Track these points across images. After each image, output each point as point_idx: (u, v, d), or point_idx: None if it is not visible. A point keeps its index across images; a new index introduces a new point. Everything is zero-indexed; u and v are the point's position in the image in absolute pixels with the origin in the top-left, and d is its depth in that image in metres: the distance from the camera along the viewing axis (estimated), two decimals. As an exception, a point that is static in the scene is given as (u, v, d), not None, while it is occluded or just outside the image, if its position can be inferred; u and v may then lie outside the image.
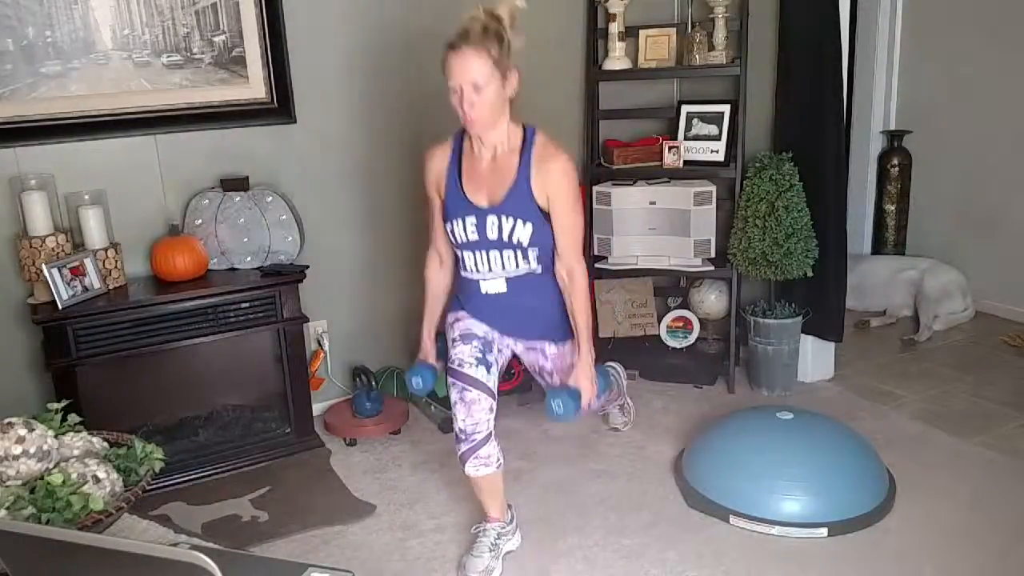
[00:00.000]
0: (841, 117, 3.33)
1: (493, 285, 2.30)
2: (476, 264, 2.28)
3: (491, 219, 2.21)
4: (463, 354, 2.32)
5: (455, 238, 2.27)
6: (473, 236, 2.24)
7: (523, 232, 2.20)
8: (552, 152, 2.19)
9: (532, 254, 2.25)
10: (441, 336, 2.47)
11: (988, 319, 4.23)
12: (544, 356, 2.47)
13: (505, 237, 2.22)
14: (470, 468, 2.32)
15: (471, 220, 2.23)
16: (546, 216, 2.21)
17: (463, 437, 2.30)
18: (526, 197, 2.19)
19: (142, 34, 2.90)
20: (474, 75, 2.09)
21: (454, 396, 2.31)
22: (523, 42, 2.15)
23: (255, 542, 2.56)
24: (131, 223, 2.99)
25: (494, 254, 2.25)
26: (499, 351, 2.42)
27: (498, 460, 2.34)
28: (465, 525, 2.59)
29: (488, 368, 2.32)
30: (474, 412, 2.28)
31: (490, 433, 2.30)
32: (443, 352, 2.44)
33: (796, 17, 3.29)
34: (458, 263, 2.35)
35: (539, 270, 2.29)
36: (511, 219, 2.20)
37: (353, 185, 3.34)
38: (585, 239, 3.55)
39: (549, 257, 2.29)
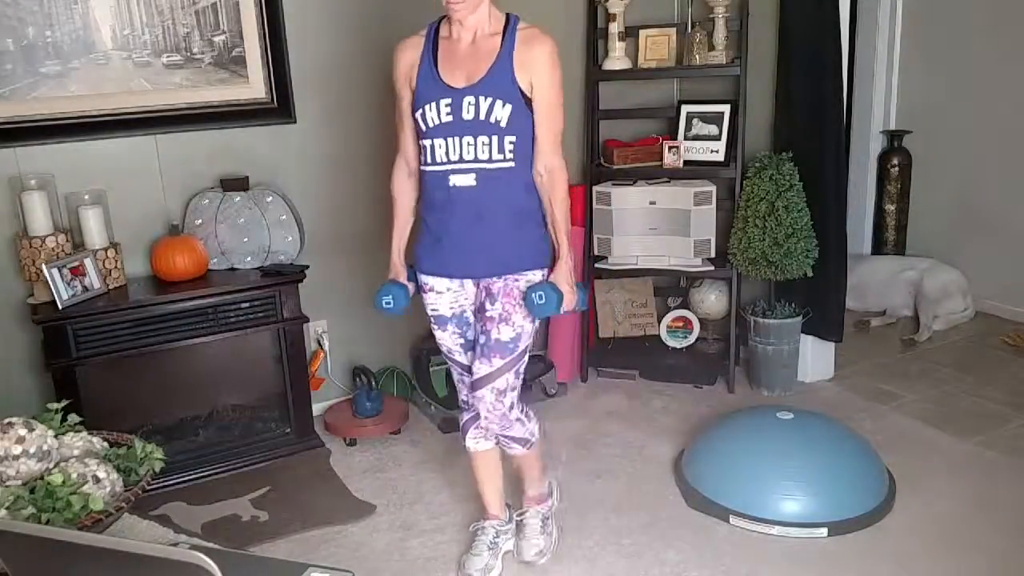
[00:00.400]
0: (841, 117, 3.33)
1: (463, 178, 2.11)
2: (448, 151, 2.09)
3: (468, 99, 2.06)
4: (447, 341, 2.31)
5: (425, 123, 2.10)
6: (447, 118, 2.07)
7: (502, 112, 2.05)
8: (538, 34, 2.10)
9: (508, 143, 2.08)
10: (411, 268, 2.34)
11: (988, 319, 4.23)
12: (491, 298, 2.21)
13: (482, 116, 2.06)
14: (470, 440, 2.35)
15: (445, 101, 2.07)
16: (527, 102, 2.08)
17: (465, 408, 2.36)
18: (507, 76, 2.06)
19: (142, 34, 2.90)
20: None
21: (455, 375, 2.37)
22: None
23: (255, 542, 2.56)
24: (131, 223, 2.99)
25: (467, 140, 2.08)
26: (473, 313, 2.28)
27: (496, 437, 2.37)
28: (465, 525, 2.59)
29: (469, 343, 2.30)
30: None
31: None
32: (413, 275, 2.32)
33: (796, 17, 3.29)
34: (425, 160, 2.15)
35: (512, 165, 2.11)
36: (489, 98, 2.05)
37: (353, 185, 3.34)
38: (585, 238, 3.58)
39: (524, 155, 2.12)
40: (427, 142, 2.12)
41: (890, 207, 4.66)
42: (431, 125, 2.09)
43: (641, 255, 3.53)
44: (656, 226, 3.48)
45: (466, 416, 2.35)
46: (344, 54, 3.21)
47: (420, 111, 2.11)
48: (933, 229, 4.58)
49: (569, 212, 2.20)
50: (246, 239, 3.03)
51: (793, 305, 3.42)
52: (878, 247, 4.76)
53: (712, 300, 3.68)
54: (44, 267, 2.65)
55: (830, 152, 3.30)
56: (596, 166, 3.63)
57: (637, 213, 3.48)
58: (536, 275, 2.20)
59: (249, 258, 3.05)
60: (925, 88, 4.52)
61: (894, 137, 4.63)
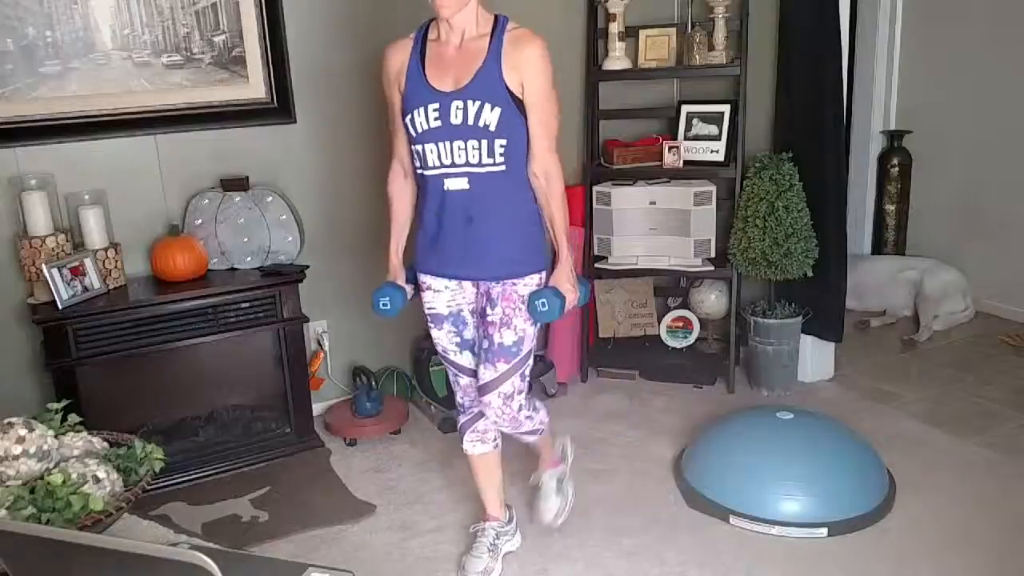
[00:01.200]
0: (841, 117, 3.34)
1: (455, 181, 2.09)
2: (439, 156, 2.07)
3: (456, 103, 2.03)
4: (442, 340, 2.31)
5: (415, 128, 2.08)
6: (435, 123, 2.05)
7: (491, 116, 2.02)
8: (527, 34, 2.07)
9: (499, 146, 2.05)
10: (410, 270, 2.33)
11: (988, 319, 4.23)
12: (491, 303, 2.21)
13: (471, 121, 2.03)
14: (467, 443, 2.37)
15: (433, 107, 2.04)
16: (517, 104, 2.05)
17: (461, 410, 2.37)
18: (495, 78, 2.03)
19: (142, 34, 2.90)
20: None
21: (450, 376, 2.37)
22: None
23: (255, 542, 2.56)
24: (131, 223, 2.99)
25: (458, 144, 2.05)
26: (471, 313, 2.28)
27: (495, 440, 2.39)
28: (465, 525, 2.59)
29: (471, 349, 2.31)
30: (468, 392, 2.34)
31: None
32: (412, 276, 2.32)
33: (796, 17, 3.29)
34: (417, 165, 2.14)
35: (504, 168, 2.08)
36: (477, 102, 2.02)
37: (353, 185, 3.34)
38: (585, 239, 3.58)
39: (517, 158, 2.10)
40: (418, 147, 2.10)
41: (890, 207, 4.66)
42: (420, 131, 2.07)
43: (641, 255, 3.53)
44: (656, 226, 3.48)
45: (463, 419, 2.36)
46: (344, 54, 3.21)
47: (409, 116, 2.09)
48: (933, 229, 4.58)
49: (567, 212, 2.18)
50: (246, 239, 3.03)
51: (793, 305, 3.42)
52: (878, 247, 4.76)
53: (712, 300, 3.68)
54: (44, 267, 2.65)
55: (830, 152, 3.30)
56: (596, 166, 3.63)
57: (637, 213, 3.48)
58: (534, 279, 2.20)
59: (249, 258, 3.05)
60: (925, 88, 4.52)
61: (894, 137, 4.63)
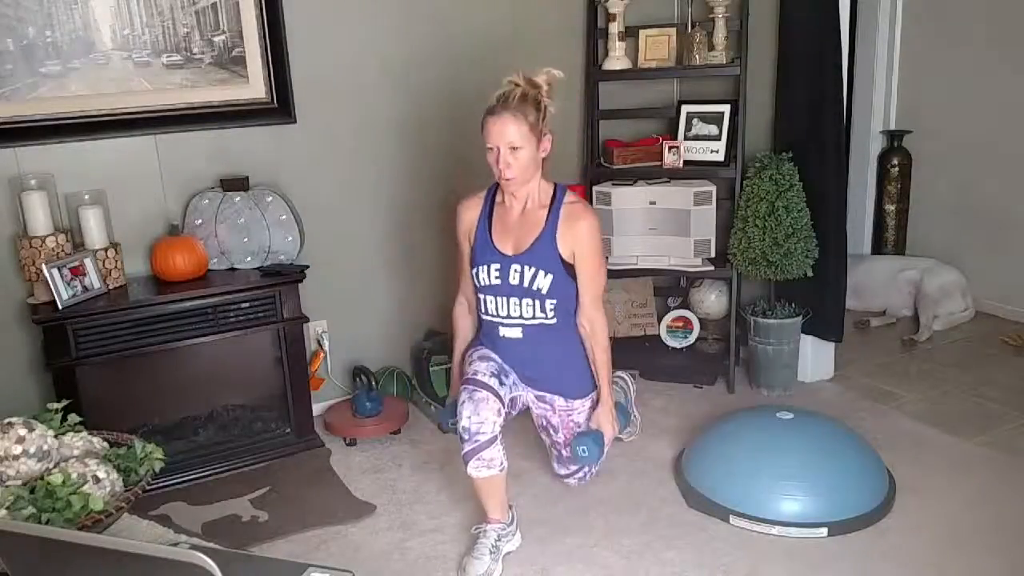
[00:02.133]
0: (841, 117, 3.33)
1: (510, 331, 2.45)
2: (497, 308, 2.43)
3: (514, 267, 2.37)
4: (479, 368, 2.39)
5: (479, 281, 2.42)
6: (496, 281, 2.39)
7: (543, 282, 2.36)
8: (580, 210, 2.38)
9: (549, 305, 2.38)
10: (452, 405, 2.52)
11: (988, 319, 4.23)
12: (553, 410, 2.57)
13: (526, 284, 2.36)
14: (472, 469, 2.32)
15: (495, 266, 2.38)
16: (568, 269, 2.37)
17: (467, 437, 2.29)
18: (550, 249, 2.35)
19: (142, 34, 2.90)
20: (511, 138, 2.26)
21: (463, 396, 2.32)
22: (557, 107, 2.36)
23: (255, 542, 2.56)
24: (131, 223, 2.99)
25: (513, 300, 2.40)
26: (514, 384, 2.49)
27: (501, 464, 2.34)
28: (465, 525, 2.59)
29: (501, 382, 2.38)
30: (481, 410, 2.28)
31: (495, 436, 2.30)
32: (452, 412, 2.46)
33: (796, 17, 3.29)
34: (479, 306, 2.48)
35: (554, 322, 2.41)
36: (533, 268, 2.35)
37: (353, 184, 3.34)
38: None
39: (566, 311, 2.43)
40: (481, 296, 2.46)
41: (890, 207, 4.66)
42: (483, 284, 2.42)
43: (641, 255, 3.53)
44: (656, 226, 3.48)
45: (467, 447, 2.30)
46: (344, 53, 3.21)
47: (476, 270, 2.43)
48: (933, 229, 4.59)
49: (610, 358, 2.51)
50: (246, 239, 3.03)
51: (793, 305, 3.42)
52: (878, 247, 4.76)
53: (712, 300, 3.69)
54: (44, 267, 2.65)
55: (830, 152, 3.29)
56: (596, 166, 3.63)
57: (637, 213, 3.48)
58: (586, 404, 2.56)
59: (249, 258, 3.05)
60: (925, 88, 4.52)
61: (894, 137, 4.63)
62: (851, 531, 2.50)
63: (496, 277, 2.39)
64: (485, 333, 2.53)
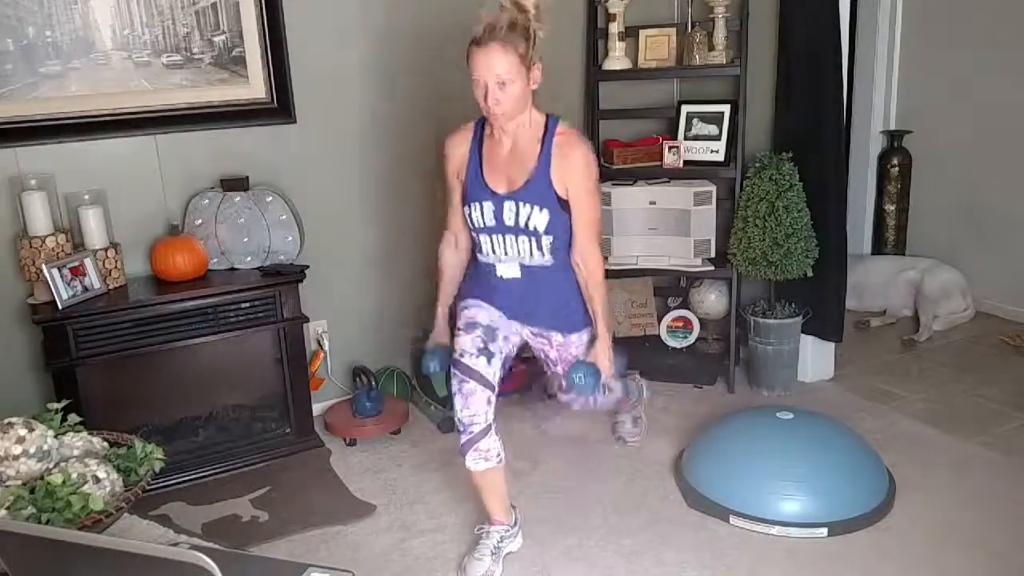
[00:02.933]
0: (841, 117, 3.33)
1: (508, 269, 2.33)
2: (492, 247, 2.31)
3: (508, 205, 2.23)
4: (464, 344, 2.33)
5: (472, 222, 2.30)
6: (491, 222, 2.26)
7: (539, 219, 2.22)
8: (573, 141, 2.22)
9: (546, 242, 2.26)
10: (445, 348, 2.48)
11: (988, 319, 4.23)
12: (550, 344, 2.48)
13: (521, 223, 2.24)
14: (470, 461, 2.32)
15: (488, 205, 2.25)
16: (563, 204, 2.23)
17: (462, 428, 2.31)
18: (544, 184, 2.21)
19: (142, 34, 2.90)
20: (499, 71, 2.08)
21: (454, 386, 2.32)
22: (548, 30, 2.13)
23: (255, 542, 2.56)
24: (131, 223, 2.99)
25: (510, 239, 2.28)
26: (504, 338, 2.39)
27: (498, 455, 2.33)
28: (465, 525, 2.59)
29: (489, 359, 2.32)
30: (471, 403, 2.28)
31: (489, 426, 2.30)
32: (447, 355, 2.44)
33: (796, 17, 3.29)
34: (475, 246, 2.38)
35: (551, 261, 2.30)
36: (528, 205, 2.22)
37: (353, 184, 3.34)
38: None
39: (563, 248, 2.30)
40: (475, 235, 2.34)
41: (890, 207, 4.66)
42: (477, 225, 2.30)
43: (641, 255, 3.53)
44: (656, 226, 3.48)
45: (464, 438, 2.30)
46: (344, 53, 3.21)
47: (467, 209, 2.30)
48: (933, 229, 4.58)
49: (605, 296, 2.39)
50: (246, 239, 3.03)
51: (793, 305, 3.42)
52: (878, 247, 4.76)
53: (712, 300, 3.68)
54: (44, 267, 2.65)
55: (830, 152, 3.29)
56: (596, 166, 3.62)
57: (637, 213, 3.48)
58: (584, 336, 2.44)
59: (249, 258, 3.05)
60: (925, 88, 4.52)
61: (894, 137, 4.63)
62: (851, 531, 2.50)
63: (491, 217, 2.26)
64: (479, 277, 2.41)
